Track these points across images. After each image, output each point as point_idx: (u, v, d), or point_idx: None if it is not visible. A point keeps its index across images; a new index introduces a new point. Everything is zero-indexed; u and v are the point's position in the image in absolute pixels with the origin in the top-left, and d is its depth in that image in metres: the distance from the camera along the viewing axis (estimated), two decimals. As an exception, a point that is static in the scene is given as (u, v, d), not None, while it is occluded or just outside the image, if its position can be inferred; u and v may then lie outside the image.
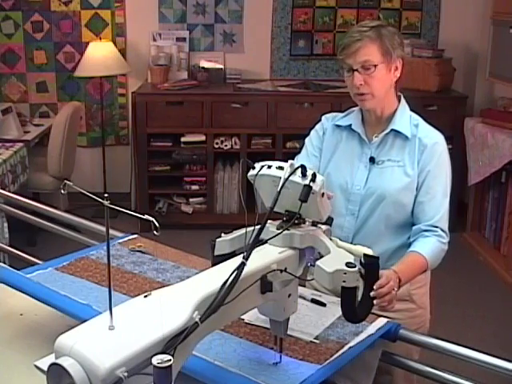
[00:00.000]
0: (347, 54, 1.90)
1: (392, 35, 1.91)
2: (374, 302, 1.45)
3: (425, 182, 1.92)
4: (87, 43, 4.94)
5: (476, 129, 4.52)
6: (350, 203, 1.98)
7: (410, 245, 1.92)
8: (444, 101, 4.87)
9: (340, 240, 1.45)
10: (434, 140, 1.94)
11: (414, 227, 1.94)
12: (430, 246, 1.86)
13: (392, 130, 1.96)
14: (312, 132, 2.13)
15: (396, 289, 1.67)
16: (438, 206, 1.91)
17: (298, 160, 2.06)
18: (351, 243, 1.56)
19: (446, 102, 4.86)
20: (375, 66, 1.88)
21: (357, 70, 1.89)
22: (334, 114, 2.12)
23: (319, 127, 2.12)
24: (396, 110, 1.98)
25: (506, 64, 4.41)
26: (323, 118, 2.12)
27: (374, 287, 1.41)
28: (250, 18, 5.21)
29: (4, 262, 2.82)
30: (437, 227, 1.89)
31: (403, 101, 2.02)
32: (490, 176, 4.44)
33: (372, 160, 1.97)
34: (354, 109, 2.07)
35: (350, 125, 2.03)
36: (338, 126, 2.06)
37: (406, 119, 1.97)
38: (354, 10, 5.22)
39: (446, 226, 1.92)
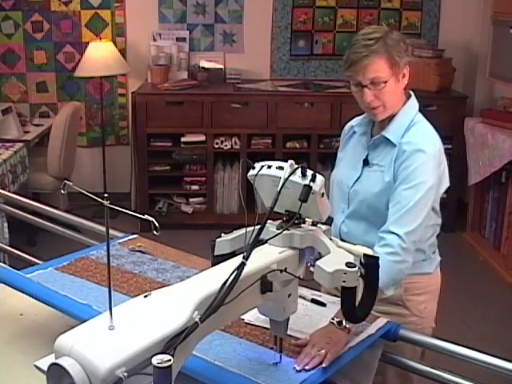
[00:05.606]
0: (355, 70, 1.83)
1: (397, 43, 1.83)
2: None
3: (397, 188, 1.81)
4: (87, 43, 4.95)
5: (476, 129, 4.52)
6: (342, 201, 2.00)
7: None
8: (444, 101, 4.86)
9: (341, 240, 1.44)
10: (418, 147, 1.81)
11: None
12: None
13: (382, 135, 1.91)
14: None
15: (324, 350, 1.47)
16: (403, 215, 1.77)
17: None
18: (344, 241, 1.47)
19: (446, 102, 4.86)
20: (385, 82, 1.82)
21: (366, 86, 1.83)
22: (356, 117, 2.08)
23: (341, 138, 2.15)
24: (398, 112, 1.90)
25: (506, 64, 4.41)
26: (347, 125, 2.11)
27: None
28: (250, 18, 5.21)
29: (4, 262, 2.82)
30: (391, 232, 1.76)
31: (411, 101, 1.93)
32: (490, 176, 4.43)
33: (366, 162, 1.95)
34: None
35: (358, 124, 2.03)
36: (352, 126, 2.06)
37: (402, 124, 1.88)
38: (354, 9, 5.22)
39: (410, 238, 1.75)
